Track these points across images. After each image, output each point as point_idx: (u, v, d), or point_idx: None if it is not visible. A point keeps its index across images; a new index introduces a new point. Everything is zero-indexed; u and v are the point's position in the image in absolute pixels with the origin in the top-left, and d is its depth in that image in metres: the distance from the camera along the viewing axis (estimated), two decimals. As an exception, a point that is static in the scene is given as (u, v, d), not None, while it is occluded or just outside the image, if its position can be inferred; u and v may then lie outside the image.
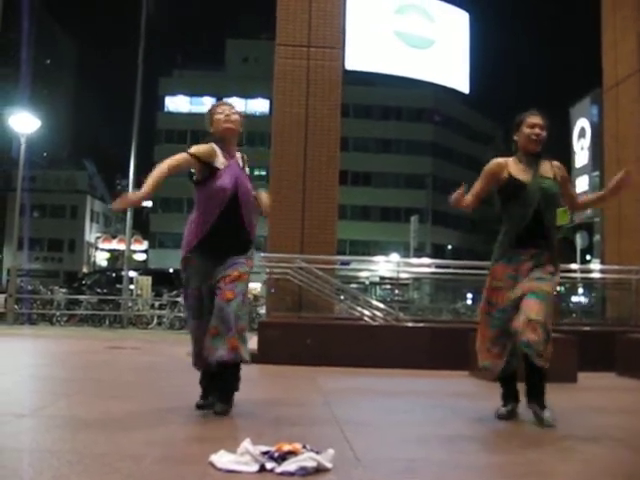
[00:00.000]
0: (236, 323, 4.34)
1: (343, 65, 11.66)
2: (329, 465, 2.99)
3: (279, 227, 10.49)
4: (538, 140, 4.60)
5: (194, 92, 62.65)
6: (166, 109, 63.40)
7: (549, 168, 4.66)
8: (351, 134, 50.93)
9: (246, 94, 61.27)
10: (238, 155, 4.74)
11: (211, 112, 4.71)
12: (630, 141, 11.84)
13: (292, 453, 3.03)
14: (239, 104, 51.82)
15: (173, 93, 63.22)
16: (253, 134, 58.02)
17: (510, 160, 4.66)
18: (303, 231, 10.45)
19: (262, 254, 10.20)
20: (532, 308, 4.26)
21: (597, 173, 28.02)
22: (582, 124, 31.70)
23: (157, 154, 60.32)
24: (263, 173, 54.78)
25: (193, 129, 61.04)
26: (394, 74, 46.44)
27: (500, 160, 4.67)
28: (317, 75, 10.90)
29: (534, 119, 4.60)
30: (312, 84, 10.86)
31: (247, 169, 4.77)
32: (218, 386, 4.50)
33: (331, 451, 3.08)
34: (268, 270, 9.99)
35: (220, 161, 4.55)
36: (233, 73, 62.89)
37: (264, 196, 4.80)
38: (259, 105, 60.97)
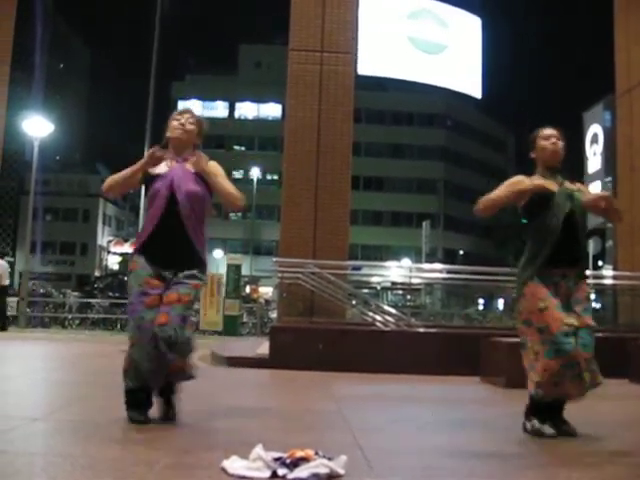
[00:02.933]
0: (170, 350, 4.06)
1: (356, 70, 11.68)
2: (341, 471, 2.97)
3: (291, 232, 10.50)
4: (556, 149, 4.44)
5: (207, 96, 62.92)
6: (178, 113, 63.55)
7: (572, 184, 4.50)
8: (363, 139, 50.95)
9: (258, 99, 61.48)
10: (196, 159, 4.44)
11: (171, 117, 4.59)
12: (644, 147, 11.78)
13: (304, 459, 3.02)
14: (251, 109, 51.79)
15: (186, 97, 63.42)
16: (265, 139, 58.24)
17: (532, 177, 4.46)
18: (315, 236, 10.45)
19: (274, 259, 10.23)
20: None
21: (610, 179, 27.89)
22: (595, 130, 31.57)
23: (169, 158, 60.45)
24: (275, 177, 55.07)
25: (206, 133, 61.38)
26: (406, 79, 46.55)
27: (524, 177, 4.46)
28: (330, 80, 10.91)
29: (547, 131, 4.47)
30: (325, 89, 10.88)
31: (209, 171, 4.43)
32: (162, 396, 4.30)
33: (343, 457, 3.07)
34: (280, 275, 10.00)
35: (162, 167, 4.39)
36: (246, 78, 63.05)
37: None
38: (271, 110, 61.14)
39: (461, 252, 61.59)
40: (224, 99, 63.38)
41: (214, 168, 4.49)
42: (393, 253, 54.44)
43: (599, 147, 31.14)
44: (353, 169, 11.12)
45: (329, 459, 3.04)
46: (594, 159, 31.68)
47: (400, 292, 16.70)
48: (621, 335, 9.66)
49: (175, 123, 4.51)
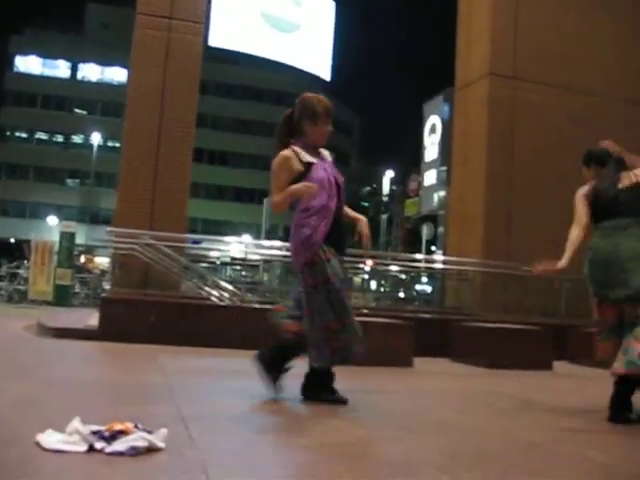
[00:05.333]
0: None
1: (205, 41, 11.50)
2: (161, 445, 2.94)
3: (128, 201, 10.25)
4: None
5: (48, 54, 59.73)
6: (16, 69, 60.05)
7: None
8: (210, 112, 50.37)
9: (104, 61, 59.14)
10: (324, 152, 4.69)
11: (317, 114, 4.53)
12: (477, 140, 12.41)
13: (123, 432, 2.97)
14: (96, 71, 49.60)
15: (25, 53, 59.93)
16: (108, 103, 56.19)
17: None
18: (153, 207, 10.26)
19: (108, 228, 9.93)
20: None
21: (444, 168, 29.23)
22: (434, 120, 32.90)
23: (4, 116, 57.14)
24: (117, 144, 53.31)
25: (45, 93, 58.40)
26: (257, 55, 46.42)
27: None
28: (177, 49, 10.70)
29: None
30: (171, 57, 10.65)
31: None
32: (330, 381, 4.65)
33: (164, 430, 3.04)
34: (114, 245, 9.73)
35: (306, 156, 4.50)
36: (92, 38, 60.37)
37: (364, 225, 4.71)
38: (117, 74, 58.98)
39: (303, 231, 62.43)
40: (67, 58, 60.41)
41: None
42: (234, 228, 54.36)
43: (437, 137, 32.50)
44: (197, 141, 10.99)
45: (149, 432, 3.01)
46: (431, 148, 33.05)
47: (238, 268, 16.72)
48: (446, 317, 10.19)
49: (327, 129, 4.56)
